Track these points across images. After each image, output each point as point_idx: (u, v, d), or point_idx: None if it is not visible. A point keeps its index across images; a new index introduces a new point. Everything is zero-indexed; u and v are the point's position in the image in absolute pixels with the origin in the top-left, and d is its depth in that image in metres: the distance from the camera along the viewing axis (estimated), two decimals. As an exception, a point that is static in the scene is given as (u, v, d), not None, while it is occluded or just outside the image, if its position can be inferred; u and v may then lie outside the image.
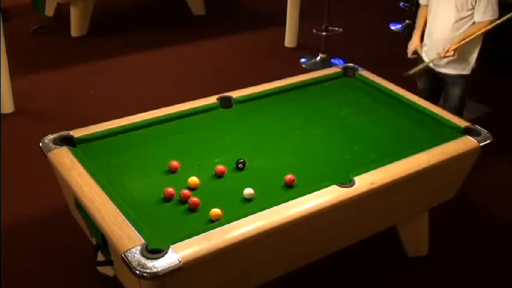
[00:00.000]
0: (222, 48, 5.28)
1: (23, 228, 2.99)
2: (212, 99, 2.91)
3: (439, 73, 3.41)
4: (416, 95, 3.07)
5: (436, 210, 2.83)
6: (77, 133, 2.56)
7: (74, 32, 5.30)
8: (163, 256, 1.85)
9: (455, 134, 2.71)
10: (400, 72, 3.42)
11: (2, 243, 2.85)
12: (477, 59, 3.33)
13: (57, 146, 2.44)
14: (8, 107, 4.01)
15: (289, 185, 2.33)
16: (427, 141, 2.62)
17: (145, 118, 2.72)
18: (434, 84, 3.51)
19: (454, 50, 3.21)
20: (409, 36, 3.54)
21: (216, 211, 2.11)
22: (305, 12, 5.34)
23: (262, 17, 6.11)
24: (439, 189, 2.71)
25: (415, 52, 3.43)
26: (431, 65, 3.39)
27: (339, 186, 2.25)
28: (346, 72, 3.29)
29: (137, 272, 1.81)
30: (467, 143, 2.63)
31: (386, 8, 6.39)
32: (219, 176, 2.38)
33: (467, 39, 3.19)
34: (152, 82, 4.57)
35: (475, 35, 3.19)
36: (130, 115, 2.74)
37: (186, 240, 1.93)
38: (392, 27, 5.96)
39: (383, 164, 2.41)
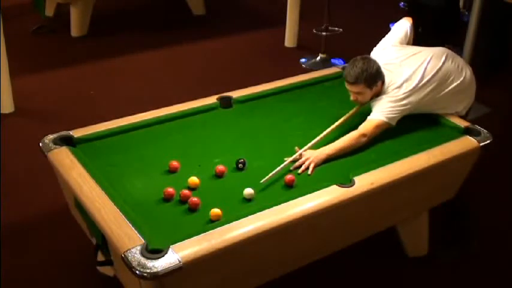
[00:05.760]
0: (222, 48, 5.28)
1: (23, 228, 2.99)
2: (212, 99, 2.91)
3: None
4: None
5: (436, 210, 2.83)
6: (77, 133, 2.56)
7: (74, 32, 5.29)
8: (163, 256, 1.85)
9: (455, 134, 2.71)
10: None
11: (2, 243, 2.85)
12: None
13: (57, 146, 2.44)
14: (8, 107, 4.01)
15: (289, 185, 2.33)
16: (427, 141, 2.62)
17: (145, 118, 2.72)
18: None
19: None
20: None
21: (216, 211, 2.11)
22: (305, 12, 5.33)
23: (262, 17, 6.10)
24: (439, 189, 2.71)
25: None
26: None
27: (339, 186, 2.25)
28: (346, 72, 3.28)
29: (137, 272, 1.81)
30: (467, 143, 2.63)
31: (386, 8, 6.38)
32: (219, 176, 2.38)
33: None
34: (152, 82, 4.57)
35: None
36: (130, 115, 2.74)
37: (186, 240, 1.93)
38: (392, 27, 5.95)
39: (383, 164, 2.42)
